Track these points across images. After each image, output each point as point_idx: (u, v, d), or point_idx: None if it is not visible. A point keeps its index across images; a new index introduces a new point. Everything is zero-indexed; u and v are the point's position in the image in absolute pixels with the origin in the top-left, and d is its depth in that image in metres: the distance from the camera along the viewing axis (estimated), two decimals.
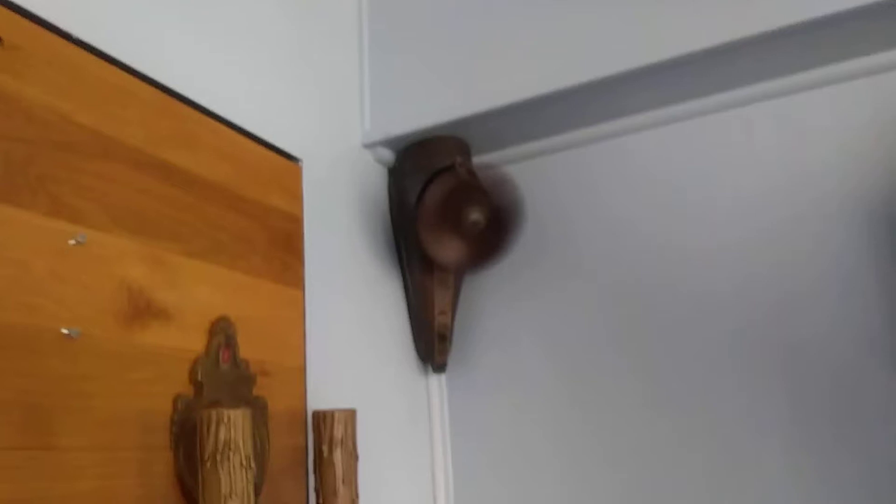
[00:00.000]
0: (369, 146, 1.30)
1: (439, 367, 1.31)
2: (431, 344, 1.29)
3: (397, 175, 1.32)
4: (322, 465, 0.89)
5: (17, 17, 0.73)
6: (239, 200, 0.97)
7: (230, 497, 0.71)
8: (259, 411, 0.91)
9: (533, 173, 1.32)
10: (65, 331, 0.71)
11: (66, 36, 0.77)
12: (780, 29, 1.00)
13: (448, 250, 1.21)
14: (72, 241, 0.73)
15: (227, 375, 0.88)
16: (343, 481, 0.88)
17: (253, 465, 0.74)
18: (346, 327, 1.15)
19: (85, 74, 0.79)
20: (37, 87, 0.73)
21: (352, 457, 0.90)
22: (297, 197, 1.09)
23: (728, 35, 1.02)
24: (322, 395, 1.04)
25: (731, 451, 1.10)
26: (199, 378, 0.84)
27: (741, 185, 1.17)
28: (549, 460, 1.23)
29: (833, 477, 1.04)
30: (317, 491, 0.89)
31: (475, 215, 1.18)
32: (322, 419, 0.90)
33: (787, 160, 1.15)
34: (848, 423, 1.04)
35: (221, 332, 0.88)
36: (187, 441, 0.80)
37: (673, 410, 1.16)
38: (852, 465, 1.03)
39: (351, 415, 0.91)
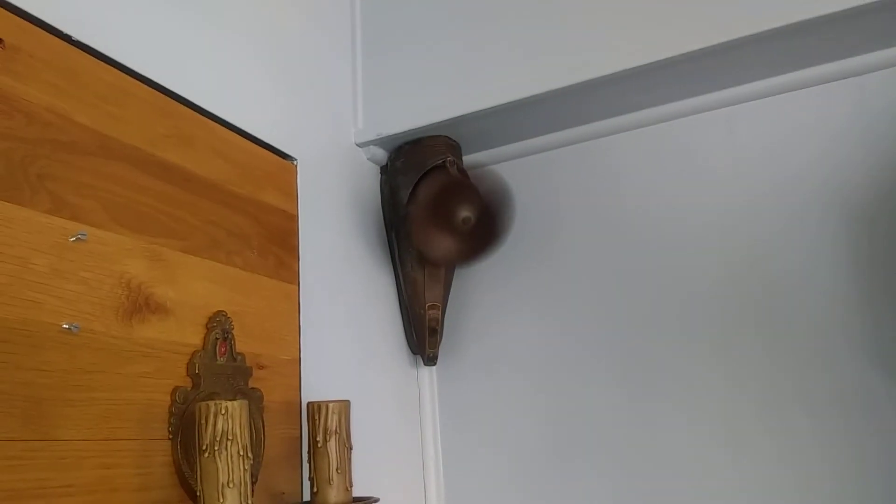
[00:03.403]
0: (362, 145, 1.32)
1: (430, 360, 1.33)
2: (423, 337, 1.31)
3: (389, 173, 1.34)
4: (316, 454, 0.91)
5: (18, 20, 0.75)
6: (235, 198, 0.99)
7: (228, 486, 0.73)
8: (255, 403, 0.93)
9: (522, 172, 1.35)
10: (65, 325, 0.73)
11: (65, 38, 0.79)
12: (761, 33, 1.02)
13: (439, 246, 1.23)
14: (72, 238, 0.75)
15: (224, 368, 0.90)
16: (337, 470, 0.90)
17: (250, 454, 0.76)
18: (339, 321, 1.17)
19: (84, 75, 0.81)
20: (37, 87, 0.75)
21: (345, 446, 0.92)
22: (291, 194, 1.11)
23: (710, 39, 1.05)
24: (316, 386, 1.06)
25: (717, 443, 1.14)
26: (197, 371, 0.86)
27: (722, 183, 1.20)
28: (536, 448, 1.26)
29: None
30: (311, 480, 0.91)
31: (465, 212, 1.20)
32: (316, 410, 0.92)
33: (767, 160, 1.18)
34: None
35: (218, 327, 0.90)
36: (185, 432, 0.82)
37: (654, 395, 1.19)
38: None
39: (345, 406, 0.93)
